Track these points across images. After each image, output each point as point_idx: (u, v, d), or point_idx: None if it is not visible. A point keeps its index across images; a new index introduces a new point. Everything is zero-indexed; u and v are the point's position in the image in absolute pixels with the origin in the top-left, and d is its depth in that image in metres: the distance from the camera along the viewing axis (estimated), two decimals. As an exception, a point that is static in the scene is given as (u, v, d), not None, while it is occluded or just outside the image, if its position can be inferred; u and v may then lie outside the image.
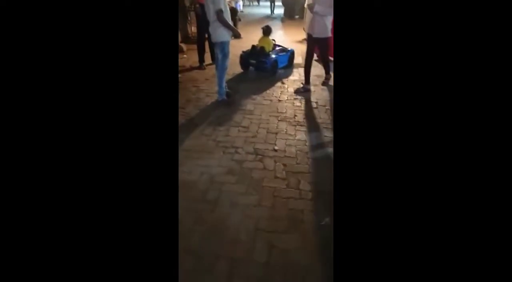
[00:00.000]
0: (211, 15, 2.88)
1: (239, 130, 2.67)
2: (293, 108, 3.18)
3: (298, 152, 2.36)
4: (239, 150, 2.36)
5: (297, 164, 2.20)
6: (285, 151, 2.36)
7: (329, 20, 3.30)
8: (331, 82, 3.78)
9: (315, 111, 3.12)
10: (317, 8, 3.24)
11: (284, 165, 2.18)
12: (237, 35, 3.17)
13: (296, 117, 2.97)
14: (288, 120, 2.89)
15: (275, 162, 2.22)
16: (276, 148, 2.40)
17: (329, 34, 3.38)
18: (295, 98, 3.42)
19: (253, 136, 2.57)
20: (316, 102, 3.32)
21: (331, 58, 3.80)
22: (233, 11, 6.62)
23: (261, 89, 3.66)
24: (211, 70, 4.24)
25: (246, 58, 4.28)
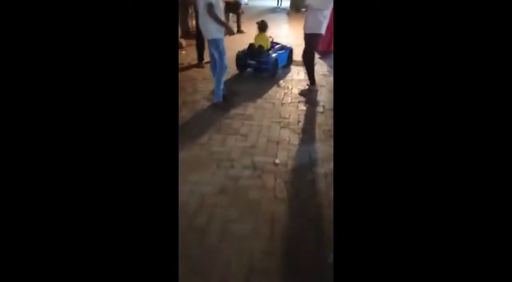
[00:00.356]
0: (201, 8, 2.59)
1: (236, 139, 2.41)
2: (297, 112, 2.90)
3: (302, 166, 2.10)
4: (235, 163, 2.11)
5: (300, 181, 1.94)
6: (287, 165, 2.11)
7: (324, 15, 2.89)
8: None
9: (322, 116, 2.84)
10: (310, 0, 2.87)
11: (286, 182, 1.93)
12: (230, 32, 2.87)
13: (300, 123, 2.70)
14: (291, 127, 2.63)
15: (275, 178, 1.96)
16: (277, 161, 2.14)
17: (320, 31, 2.94)
18: (299, 101, 3.14)
19: (251, 147, 2.31)
20: (323, 106, 3.04)
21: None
22: (236, 4, 6.30)
23: (262, 91, 3.38)
24: (211, 68, 3.97)
25: (243, 58, 3.81)
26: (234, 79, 3.78)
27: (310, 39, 3.05)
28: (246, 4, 11.48)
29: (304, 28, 3.03)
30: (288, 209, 1.71)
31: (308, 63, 3.20)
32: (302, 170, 2.06)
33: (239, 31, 6.54)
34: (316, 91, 3.32)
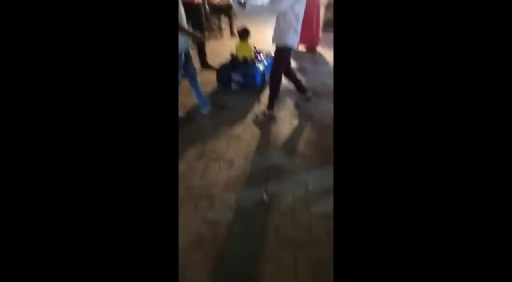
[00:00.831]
0: None
1: (220, 167, 2.05)
2: (291, 129, 2.54)
3: (297, 203, 1.74)
4: (216, 202, 1.75)
5: (294, 225, 1.58)
6: (278, 202, 1.75)
7: (288, 21, 2.28)
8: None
9: (319, 134, 2.48)
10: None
11: (276, 227, 1.57)
12: (198, 40, 2.50)
13: (294, 143, 2.34)
14: (284, 149, 2.27)
15: (264, 223, 1.60)
16: (265, 196, 1.78)
17: (286, 41, 2.35)
18: (294, 116, 2.78)
19: (237, 177, 1.96)
20: (322, 121, 2.67)
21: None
22: (228, 6, 5.93)
23: (250, 104, 3.00)
24: (200, 77, 3.62)
25: (226, 73, 3.26)
26: (222, 89, 3.39)
27: (276, 53, 2.52)
28: (244, 2, 11.11)
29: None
30: (277, 269, 1.35)
31: (273, 83, 2.60)
32: (297, 209, 1.70)
33: (233, 34, 6.19)
34: (310, 97, 2.93)
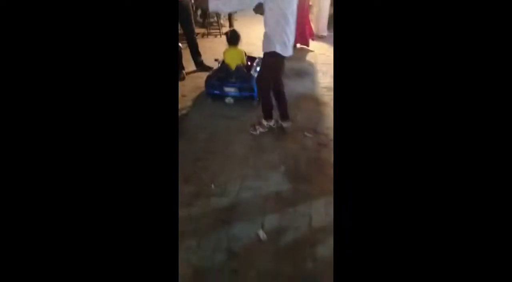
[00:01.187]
0: None
1: (211, 195, 1.80)
2: (293, 147, 2.27)
3: (298, 242, 1.50)
4: (204, 241, 1.50)
5: (295, 273, 1.34)
6: (277, 241, 1.50)
7: (274, 26, 1.96)
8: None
9: (325, 153, 2.21)
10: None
11: (273, 277, 1.33)
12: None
13: (297, 164, 2.08)
14: (284, 171, 2.01)
15: (258, 269, 1.36)
16: (261, 234, 1.53)
17: (273, 48, 2.00)
18: (296, 130, 2.50)
19: (230, 208, 1.71)
20: (327, 136, 2.40)
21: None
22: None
23: (247, 116, 2.68)
24: (194, 80, 3.35)
25: (217, 84, 2.79)
26: (217, 100, 3.06)
27: (263, 59, 2.17)
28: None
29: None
30: None
31: (262, 93, 2.34)
32: (298, 250, 1.45)
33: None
34: (286, 128, 2.45)
